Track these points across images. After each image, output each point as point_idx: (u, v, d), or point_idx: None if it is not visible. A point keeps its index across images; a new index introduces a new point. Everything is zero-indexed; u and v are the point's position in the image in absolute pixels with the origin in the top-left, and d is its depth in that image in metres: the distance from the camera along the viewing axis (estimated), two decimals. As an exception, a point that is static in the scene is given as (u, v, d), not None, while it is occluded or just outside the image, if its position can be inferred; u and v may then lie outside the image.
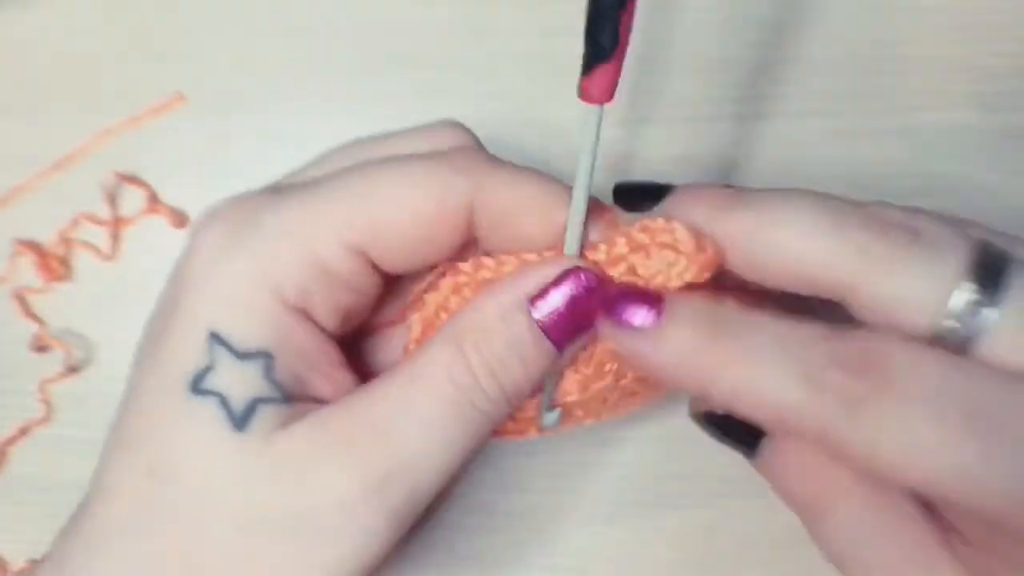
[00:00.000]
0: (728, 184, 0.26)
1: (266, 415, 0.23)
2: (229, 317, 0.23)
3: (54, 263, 0.35)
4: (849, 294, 0.23)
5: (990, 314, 0.22)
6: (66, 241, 0.36)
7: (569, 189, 0.24)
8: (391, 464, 0.22)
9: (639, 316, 0.24)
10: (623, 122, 0.35)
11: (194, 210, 0.36)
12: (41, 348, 0.35)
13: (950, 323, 0.22)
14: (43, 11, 0.37)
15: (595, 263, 0.25)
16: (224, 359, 0.23)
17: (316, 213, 0.23)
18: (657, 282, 0.24)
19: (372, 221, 0.23)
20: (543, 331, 0.24)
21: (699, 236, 0.24)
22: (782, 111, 0.35)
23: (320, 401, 0.24)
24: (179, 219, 0.35)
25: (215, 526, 0.22)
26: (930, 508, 0.25)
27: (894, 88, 0.35)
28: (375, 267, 0.25)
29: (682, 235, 0.24)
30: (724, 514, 0.34)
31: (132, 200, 0.36)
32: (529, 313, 0.24)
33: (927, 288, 0.22)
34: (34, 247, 0.35)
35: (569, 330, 0.24)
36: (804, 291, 0.24)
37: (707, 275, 0.24)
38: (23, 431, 0.35)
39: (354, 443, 0.23)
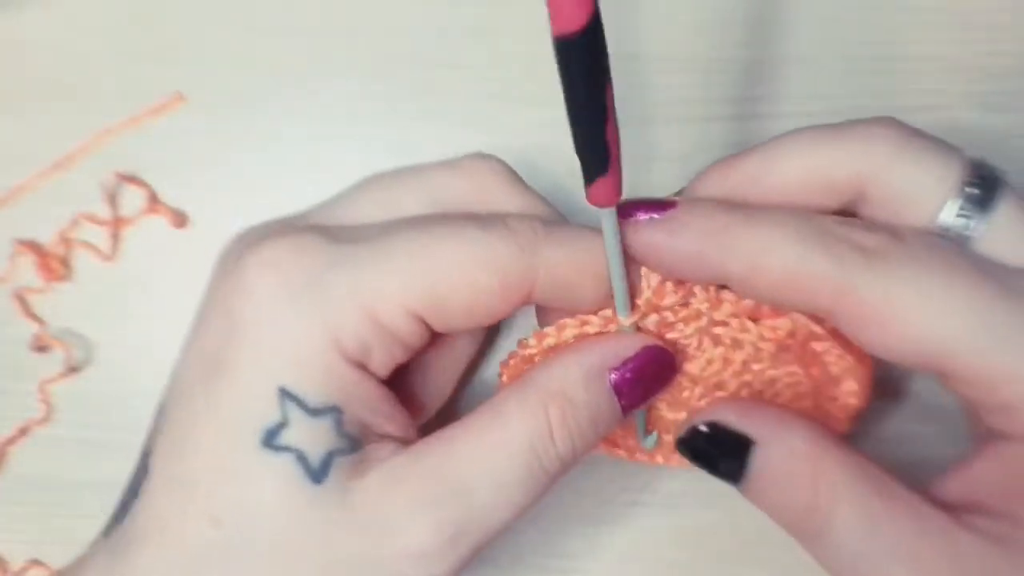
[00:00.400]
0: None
1: (340, 466, 0.24)
2: (299, 375, 0.24)
3: (54, 263, 0.35)
4: (859, 199, 0.25)
5: (982, 216, 0.23)
6: (66, 241, 0.36)
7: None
8: (466, 521, 0.24)
9: (654, 212, 0.25)
10: (623, 122, 0.35)
11: (194, 210, 0.36)
12: (41, 348, 0.35)
13: (950, 221, 0.24)
14: (43, 11, 0.37)
15: (650, 315, 0.26)
16: (297, 415, 0.23)
17: (381, 279, 0.24)
18: (713, 299, 0.26)
19: (434, 292, 0.24)
20: (618, 399, 0.26)
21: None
22: (782, 111, 0.35)
23: (386, 440, 0.25)
24: (179, 219, 0.35)
25: (297, 572, 0.23)
26: (932, 495, 0.24)
27: (894, 88, 0.35)
28: (429, 327, 0.25)
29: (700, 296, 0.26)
30: (724, 514, 0.34)
31: (132, 200, 0.36)
32: (609, 382, 0.26)
33: (930, 184, 0.24)
34: (34, 247, 0.35)
35: (639, 398, 0.26)
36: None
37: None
38: (23, 431, 0.35)
39: (435, 502, 0.24)
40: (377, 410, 0.25)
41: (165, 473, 0.24)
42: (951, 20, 0.35)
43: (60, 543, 0.35)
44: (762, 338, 0.27)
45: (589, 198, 0.23)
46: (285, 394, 0.23)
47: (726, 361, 0.27)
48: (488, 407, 0.25)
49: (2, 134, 0.36)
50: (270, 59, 0.36)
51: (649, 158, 0.35)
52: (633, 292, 0.26)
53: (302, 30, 0.36)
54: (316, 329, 0.24)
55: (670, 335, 0.27)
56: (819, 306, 0.24)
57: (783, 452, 0.25)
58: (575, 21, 0.20)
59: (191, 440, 0.24)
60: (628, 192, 0.35)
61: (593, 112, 0.21)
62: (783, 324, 0.26)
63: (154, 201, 0.36)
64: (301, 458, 0.23)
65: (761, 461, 0.25)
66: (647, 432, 0.30)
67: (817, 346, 0.26)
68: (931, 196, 0.24)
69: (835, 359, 0.26)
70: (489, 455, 0.24)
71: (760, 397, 0.28)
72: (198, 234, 0.36)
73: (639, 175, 0.35)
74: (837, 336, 0.26)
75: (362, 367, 0.25)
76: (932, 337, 0.22)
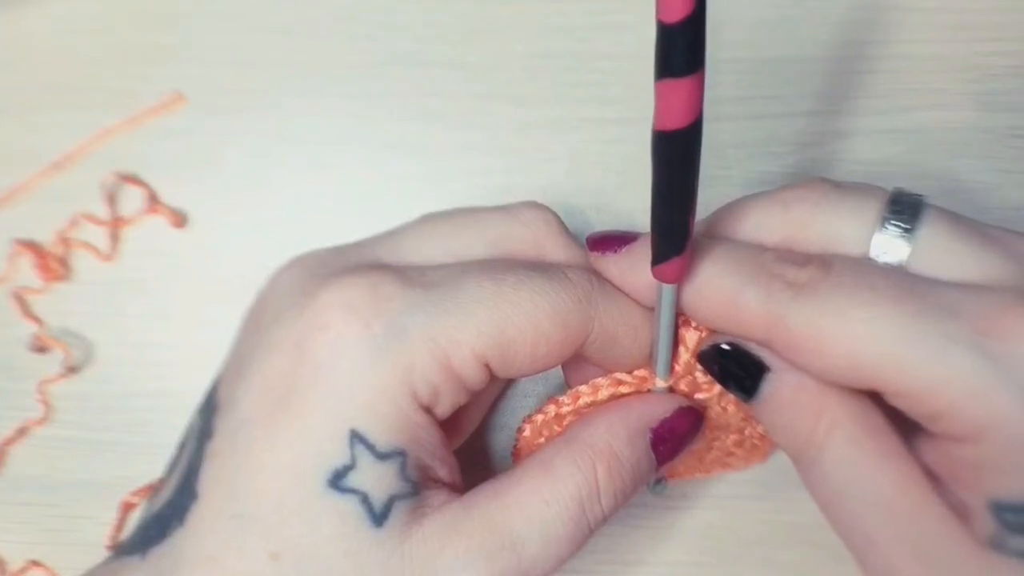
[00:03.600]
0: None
1: (400, 510, 0.24)
2: (371, 420, 0.24)
3: (53, 263, 0.35)
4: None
5: (909, 241, 0.24)
6: (65, 241, 0.36)
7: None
8: (516, 569, 0.25)
9: (619, 246, 0.27)
10: (623, 122, 0.35)
11: (194, 210, 0.36)
12: (40, 348, 0.35)
13: (879, 253, 0.25)
14: (42, 11, 0.37)
15: (683, 379, 0.28)
16: (365, 459, 0.24)
17: (456, 328, 0.25)
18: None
19: (503, 340, 0.25)
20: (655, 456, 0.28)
21: None
22: (782, 111, 0.35)
23: (439, 483, 0.26)
24: (179, 219, 0.35)
25: None
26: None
27: (894, 88, 0.35)
28: (491, 373, 0.26)
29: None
30: (725, 514, 0.34)
31: (131, 200, 0.36)
32: (650, 441, 0.27)
33: (849, 227, 0.25)
34: (33, 247, 0.35)
35: (672, 454, 0.28)
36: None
37: None
38: (22, 431, 0.35)
39: (488, 554, 0.25)
40: (435, 454, 0.26)
41: (219, 502, 0.24)
42: (951, 20, 0.35)
43: (59, 543, 0.35)
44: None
45: (657, 274, 0.25)
46: (356, 437, 0.24)
47: (736, 408, 0.29)
48: (538, 463, 0.26)
49: (1, 134, 0.36)
50: (270, 59, 0.36)
51: (649, 158, 0.35)
52: (673, 355, 0.27)
53: (302, 30, 0.36)
54: (392, 375, 0.24)
55: (698, 395, 0.28)
56: (755, 336, 0.25)
57: (793, 382, 0.26)
58: (682, 119, 0.20)
59: (251, 473, 0.24)
60: (630, 186, 0.35)
61: (683, 201, 0.22)
62: None
63: (153, 201, 0.35)
64: (365, 501, 0.24)
65: (773, 387, 0.26)
66: (659, 481, 0.31)
67: None
68: (855, 237, 0.25)
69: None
70: (541, 510, 0.25)
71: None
72: (197, 234, 0.36)
73: (639, 175, 0.35)
74: None
75: (429, 411, 0.25)
76: (860, 360, 0.23)
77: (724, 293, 0.25)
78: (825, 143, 0.35)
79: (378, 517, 0.24)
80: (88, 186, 0.36)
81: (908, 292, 0.23)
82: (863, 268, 0.24)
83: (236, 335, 0.28)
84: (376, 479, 0.24)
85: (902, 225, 0.25)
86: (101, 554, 0.31)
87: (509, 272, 0.26)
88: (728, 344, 0.27)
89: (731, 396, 0.28)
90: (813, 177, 0.27)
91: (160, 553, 0.25)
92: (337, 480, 0.24)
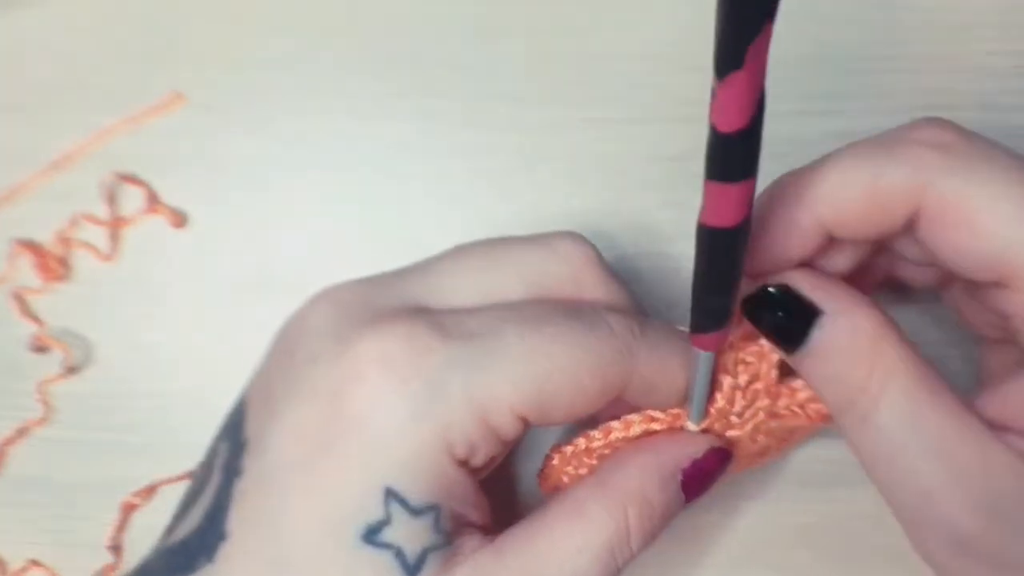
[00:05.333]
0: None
1: (433, 560, 0.24)
2: (406, 477, 0.24)
3: (53, 263, 0.35)
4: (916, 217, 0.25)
5: None
6: (65, 241, 0.36)
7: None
8: None
9: None
10: (624, 122, 0.35)
11: (193, 210, 0.36)
12: (40, 348, 0.35)
13: None
14: (42, 10, 0.36)
15: (715, 419, 0.28)
16: (400, 515, 0.24)
17: (494, 384, 0.24)
18: (766, 371, 0.27)
19: (542, 395, 0.25)
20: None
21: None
22: (782, 111, 0.35)
23: (471, 528, 0.26)
24: (178, 219, 0.35)
25: None
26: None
27: (894, 88, 0.35)
28: (527, 424, 0.26)
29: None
30: (725, 515, 0.34)
31: (131, 200, 0.36)
32: (680, 482, 0.27)
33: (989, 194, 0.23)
34: (33, 247, 0.35)
35: (701, 493, 0.28)
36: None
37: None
38: (22, 432, 0.35)
39: None
40: (468, 502, 0.26)
41: (251, 544, 0.24)
42: (951, 20, 0.35)
43: (59, 544, 0.35)
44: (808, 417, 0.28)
45: (696, 342, 0.25)
46: (391, 494, 0.24)
47: (767, 437, 0.29)
48: (569, 505, 0.26)
49: (1, 133, 0.36)
50: (270, 59, 0.36)
51: (649, 158, 0.35)
52: (709, 401, 0.28)
53: (302, 30, 0.36)
54: (429, 432, 0.24)
55: (730, 433, 0.28)
56: (900, 217, 0.24)
57: (849, 327, 0.25)
58: (730, 220, 0.21)
59: (284, 520, 0.24)
60: (631, 187, 0.35)
61: (725, 287, 0.23)
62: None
63: (153, 201, 0.35)
64: (399, 555, 0.24)
65: (825, 333, 0.25)
66: None
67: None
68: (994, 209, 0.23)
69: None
70: (573, 558, 0.25)
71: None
72: (197, 234, 0.36)
73: (640, 175, 0.35)
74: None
75: (465, 465, 0.25)
76: (999, 240, 0.23)
77: (861, 181, 0.24)
78: (826, 143, 0.34)
79: (411, 569, 0.24)
80: (88, 186, 0.35)
81: None
82: (998, 147, 0.24)
83: (264, 361, 0.27)
84: (410, 534, 0.24)
85: None
86: (101, 555, 0.32)
87: (548, 323, 0.25)
88: (776, 287, 0.26)
89: (763, 427, 0.28)
90: (933, 118, 0.25)
91: None
92: (371, 535, 0.24)
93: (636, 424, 0.28)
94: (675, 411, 0.28)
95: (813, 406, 0.27)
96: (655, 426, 0.28)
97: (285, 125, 0.36)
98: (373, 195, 0.35)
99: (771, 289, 0.26)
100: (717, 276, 0.23)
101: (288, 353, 0.26)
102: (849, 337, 0.25)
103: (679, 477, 0.27)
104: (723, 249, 0.22)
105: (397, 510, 0.24)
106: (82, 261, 0.36)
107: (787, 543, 0.34)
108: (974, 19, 0.35)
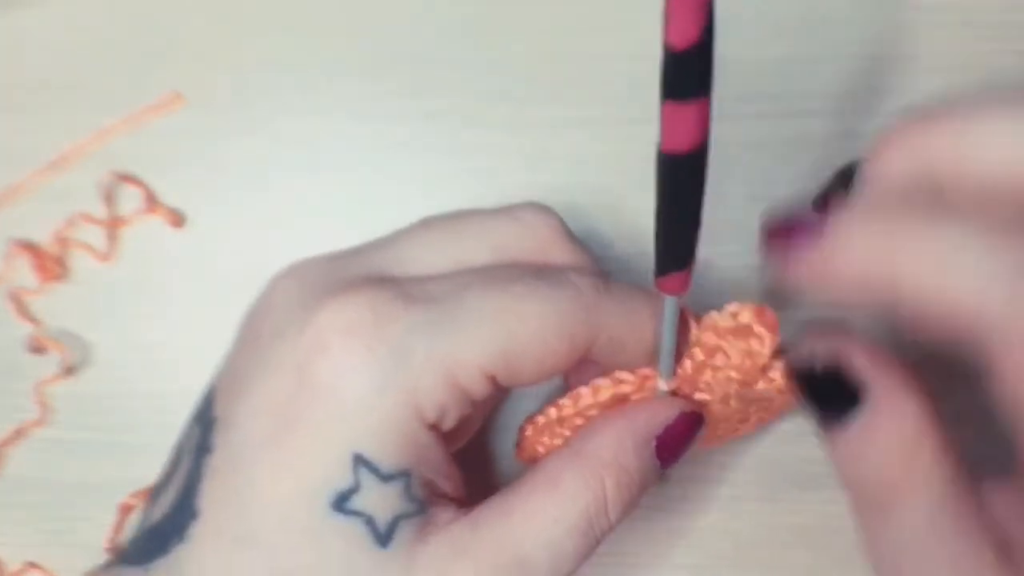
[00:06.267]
0: None
1: (405, 530, 0.24)
2: (374, 442, 0.24)
3: (50, 263, 0.35)
4: None
5: None
6: (63, 241, 0.35)
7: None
8: None
9: (806, 235, 0.23)
10: (624, 122, 0.35)
11: (192, 210, 0.36)
12: (37, 349, 0.35)
13: None
14: (41, 10, 0.36)
15: (685, 380, 0.28)
16: (369, 481, 0.24)
17: (461, 345, 0.24)
18: (747, 368, 0.27)
19: (509, 354, 0.25)
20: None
21: (759, 310, 0.26)
22: (782, 111, 0.35)
23: (444, 498, 0.26)
24: (177, 219, 0.35)
25: None
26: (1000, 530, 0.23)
27: (894, 88, 0.35)
28: (496, 384, 0.26)
29: (745, 316, 0.26)
30: (725, 516, 0.34)
31: (129, 200, 0.36)
32: (654, 449, 0.27)
33: None
34: (30, 247, 0.35)
35: (676, 459, 0.28)
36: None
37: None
38: (19, 433, 0.35)
39: (497, 571, 0.24)
40: (440, 469, 0.26)
41: (221, 522, 0.24)
42: (951, 20, 0.35)
43: (57, 545, 0.35)
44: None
45: (659, 285, 0.24)
46: (359, 460, 0.24)
47: (740, 402, 0.29)
48: (544, 476, 0.26)
49: (-2, 133, 0.36)
50: (270, 59, 0.36)
51: (649, 158, 0.35)
52: (678, 357, 0.27)
53: (302, 30, 0.36)
54: (396, 397, 0.24)
55: (699, 396, 0.28)
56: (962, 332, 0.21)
57: (895, 418, 0.23)
58: (688, 142, 0.20)
59: (253, 494, 0.24)
60: (631, 186, 0.35)
61: (687, 220, 0.22)
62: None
63: (152, 201, 0.35)
64: (370, 523, 0.24)
65: (869, 419, 0.23)
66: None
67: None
68: None
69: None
70: (550, 529, 0.25)
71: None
72: (196, 234, 0.35)
73: (640, 175, 0.35)
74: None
75: (435, 429, 0.25)
76: None
77: (956, 298, 0.20)
78: (828, 143, 0.35)
79: (383, 537, 0.24)
80: (86, 186, 0.35)
81: None
82: None
83: (233, 344, 0.27)
84: (380, 501, 0.24)
85: None
86: (99, 556, 0.31)
87: (513, 283, 0.25)
88: (826, 364, 0.24)
89: (735, 393, 0.28)
90: None
91: (162, 568, 0.24)
92: (341, 503, 0.24)
93: (605, 388, 0.28)
94: (644, 371, 0.27)
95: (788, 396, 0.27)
96: (624, 388, 0.28)
97: (285, 125, 0.36)
98: (373, 195, 0.35)
99: (818, 365, 0.25)
100: (678, 208, 0.21)
101: (254, 331, 0.26)
102: (892, 431, 0.23)
103: (653, 444, 0.27)
104: (683, 176, 0.21)
105: (366, 476, 0.24)
106: (80, 261, 0.36)
107: (787, 544, 0.34)
108: (974, 19, 0.35)
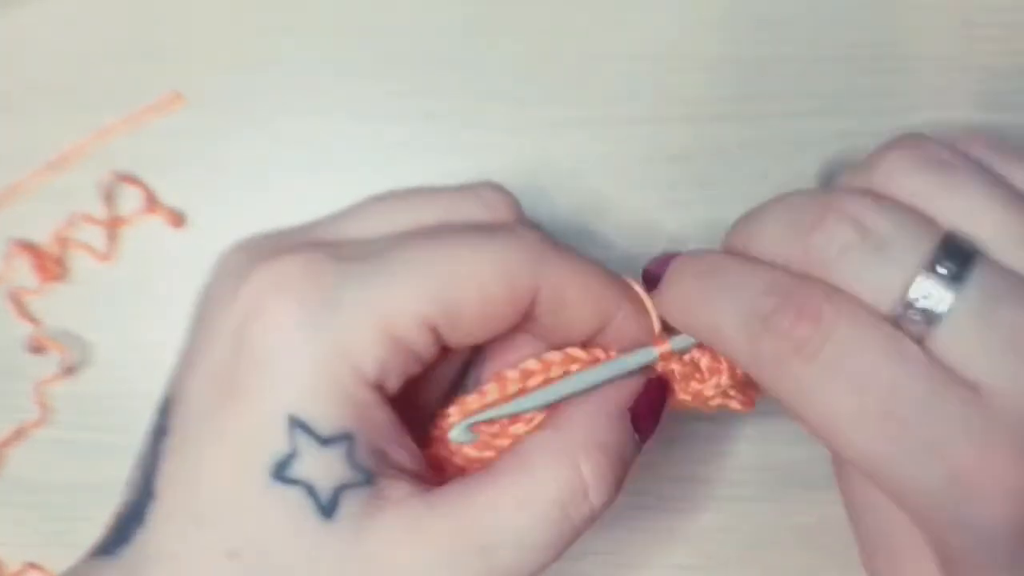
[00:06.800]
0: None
1: (352, 500, 0.23)
2: (310, 402, 0.23)
3: (50, 263, 0.35)
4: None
5: (942, 309, 0.22)
6: (62, 241, 0.35)
7: (619, 280, 0.27)
8: None
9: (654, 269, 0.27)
10: (623, 121, 0.35)
11: (192, 210, 0.36)
12: (37, 349, 0.35)
13: (908, 312, 0.22)
14: (41, 10, 0.36)
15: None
16: (307, 445, 0.23)
17: (396, 292, 0.24)
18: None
19: (448, 300, 0.24)
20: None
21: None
22: (782, 111, 0.35)
23: (397, 471, 0.24)
24: (177, 219, 0.35)
25: None
26: None
27: (894, 88, 0.35)
28: (440, 339, 0.25)
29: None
30: (725, 516, 0.34)
31: (129, 200, 0.36)
32: (630, 421, 0.26)
33: (875, 286, 0.23)
34: (30, 247, 0.35)
35: (654, 427, 0.27)
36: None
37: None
38: (19, 433, 0.35)
39: (456, 560, 0.23)
40: (390, 436, 0.24)
41: (175, 502, 0.23)
42: (952, 20, 0.35)
43: (57, 546, 0.35)
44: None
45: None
46: (295, 422, 0.23)
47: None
48: (516, 458, 0.25)
49: (-2, 133, 0.36)
50: (270, 59, 0.36)
51: (649, 158, 0.35)
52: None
53: (302, 30, 0.36)
54: (331, 352, 0.23)
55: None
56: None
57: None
58: None
59: (202, 470, 0.23)
60: (631, 187, 0.35)
61: None
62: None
63: (152, 201, 0.35)
64: (311, 491, 0.23)
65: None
66: None
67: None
68: (883, 292, 0.23)
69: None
70: (514, 515, 0.24)
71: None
72: (196, 234, 0.35)
73: (640, 175, 0.35)
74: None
75: (378, 388, 0.24)
76: (844, 454, 0.23)
77: (724, 337, 0.24)
78: (826, 143, 0.35)
79: (326, 508, 0.22)
80: (85, 186, 0.35)
81: (902, 411, 0.22)
82: (862, 354, 0.22)
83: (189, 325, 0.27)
84: (321, 467, 0.23)
85: (938, 285, 0.22)
86: (99, 556, 0.31)
87: (451, 233, 0.25)
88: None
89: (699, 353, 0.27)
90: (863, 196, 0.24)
91: (128, 553, 0.24)
92: (280, 471, 0.23)
93: (556, 365, 0.26)
94: (596, 350, 0.27)
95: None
96: (575, 367, 0.26)
97: (285, 125, 0.36)
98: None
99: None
100: None
101: (201, 307, 0.26)
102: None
103: (627, 415, 0.26)
104: None
105: (304, 440, 0.23)
106: (80, 261, 0.36)
107: (787, 544, 0.34)
108: (974, 19, 0.35)
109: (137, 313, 0.35)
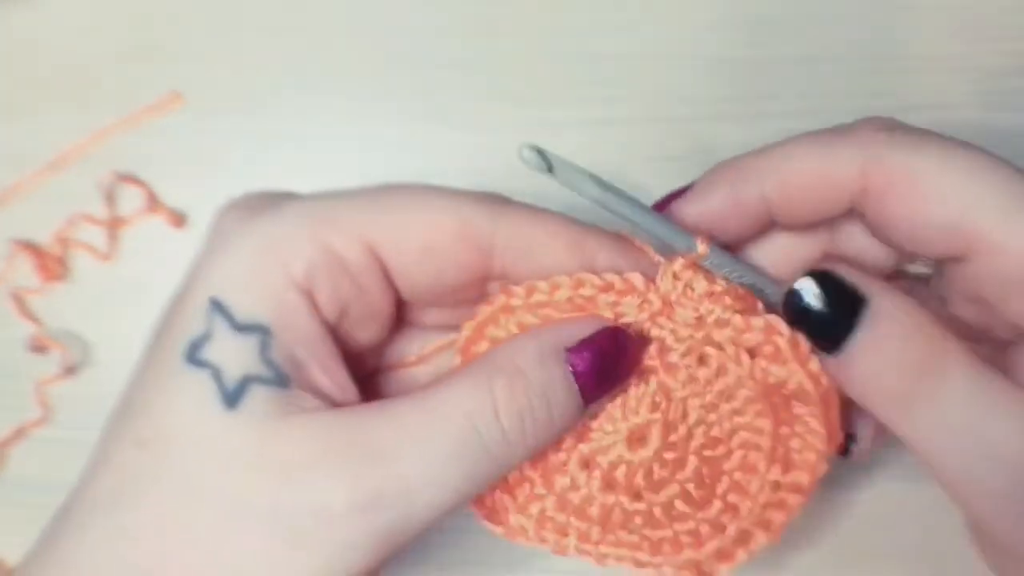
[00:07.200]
0: None
1: (260, 397, 0.22)
2: (233, 287, 0.23)
3: (51, 263, 0.35)
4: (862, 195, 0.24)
5: None
6: (64, 241, 0.35)
7: (586, 227, 0.26)
8: (386, 491, 0.22)
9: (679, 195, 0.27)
10: (623, 122, 0.35)
11: (193, 210, 0.36)
12: (38, 349, 0.35)
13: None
14: (41, 11, 0.36)
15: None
16: (221, 329, 0.23)
17: (336, 207, 0.24)
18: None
19: (391, 226, 0.24)
20: (576, 382, 0.24)
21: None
22: (782, 111, 0.35)
23: (319, 394, 0.24)
24: (177, 219, 0.35)
25: (196, 504, 0.22)
26: None
27: (894, 88, 0.35)
28: (389, 280, 0.25)
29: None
30: (725, 515, 0.34)
31: (130, 200, 0.36)
32: (565, 363, 0.24)
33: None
34: (31, 247, 0.35)
35: (599, 385, 0.25)
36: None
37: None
38: (20, 432, 0.35)
39: (350, 456, 0.22)
40: (314, 352, 0.24)
41: (116, 406, 0.24)
42: (951, 20, 0.35)
43: (58, 545, 0.35)
44: (752, 376, 0.25)
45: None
46: (215, 305, 0.23)
47: (706, 384, 0.26)
48: (433, 380, 0.24)
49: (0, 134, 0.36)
50: (270, 59, 0.36)
51: (649, 158, 0.35)
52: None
53: (302, 30, 0.36)
54: (262, 245, 0.23)
55: (655, 332, 0.26)
56: (847, 194, 0.24)
57: (899, 304, 0.24)
58: None
59: (138, 366, 0.24)
60: (630, 187, 0.35)
61: None
62: (780, 371, 0.25)
63: (153, 201, 0.35)
64: (216, 376, 0.22)
65: (878, 311, 0.24)
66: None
67: (800, 408, 0.26)
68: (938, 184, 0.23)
69: (809, 429, 0.26)
70: (420, 423, 0.23)
71: (708, 457, 0.26)
72: (197, 234, 0.35)
73: (640, 175, 0.35)
74: (827, 403, 0.25)
75: (308, 296, 0.24)
76: (957, 204, 0.23)
77: (810, 160, 0.25)
78: (826, 143, 0.35)
79: (230, 396, 0.22)
80: (86, 186, 0.35)
81: (1003, 161, 0.23)
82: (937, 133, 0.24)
83: None
84: (231, 353, 0.22)
85: None
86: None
87: (418, 183, 0.25)
88: (816, 277, 0.24)
89: (698, 352, 0.25)
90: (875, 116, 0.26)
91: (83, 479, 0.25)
92: (193, 352, 0.23)
93: (564, 288, 0.25)
94: (613, 276, 0.25)
95: (766, 365, 0.25)
96: (584, 291, 0.25)
97: (284, 125, 0.36)
98: (373, 195, 0.35)
99: (809, 281, 0.24)
100: None
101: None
102: (903, 316, 0.23)
103: (563, 355, 0.24)
104: None
105: (220, 323, 0.23)
106: (81, 261, 0.36)
107: (787, 543, 0.34)
108: (974, 19, 0.35)
109: (138, 313, 0.35)
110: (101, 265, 0.35)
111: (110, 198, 0.36)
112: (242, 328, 0.23)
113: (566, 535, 0.26)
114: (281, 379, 0.23)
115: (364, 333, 0.26)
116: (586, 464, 0.26)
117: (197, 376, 0.22)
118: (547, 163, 0.23)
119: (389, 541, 0.22)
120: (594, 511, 0.26)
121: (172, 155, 0.36)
